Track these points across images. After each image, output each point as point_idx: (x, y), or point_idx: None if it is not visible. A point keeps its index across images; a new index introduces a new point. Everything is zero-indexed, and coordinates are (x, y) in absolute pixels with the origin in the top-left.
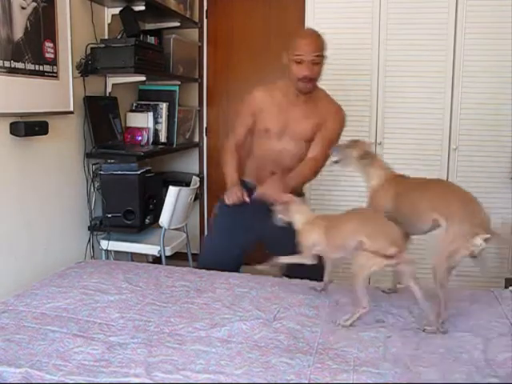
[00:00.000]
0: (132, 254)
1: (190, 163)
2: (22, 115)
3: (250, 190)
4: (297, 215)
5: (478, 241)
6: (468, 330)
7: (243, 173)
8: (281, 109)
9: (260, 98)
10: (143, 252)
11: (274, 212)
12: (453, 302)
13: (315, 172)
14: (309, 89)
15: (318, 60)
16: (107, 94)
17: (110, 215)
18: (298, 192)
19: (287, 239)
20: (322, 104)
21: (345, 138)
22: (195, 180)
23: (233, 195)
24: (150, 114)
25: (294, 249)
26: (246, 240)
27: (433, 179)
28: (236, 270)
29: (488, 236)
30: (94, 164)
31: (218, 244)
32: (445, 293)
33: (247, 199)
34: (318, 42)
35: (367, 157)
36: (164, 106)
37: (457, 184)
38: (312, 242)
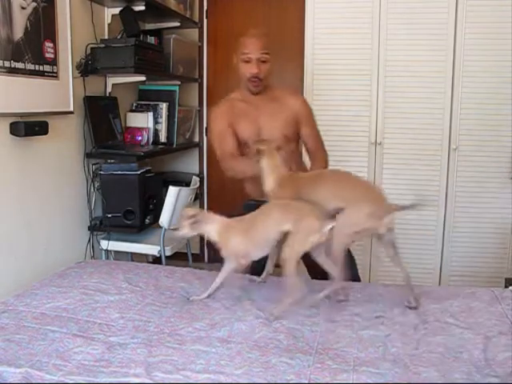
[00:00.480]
0: (132, 253)
1: (190, 163)
2: (22, 115)
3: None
4: (209, 226)
5: (387, 220)
6: (468, 328)
7: (247, 195)
8: (248, 117)
9: (225, 112)
10: (143, 252)
11: (179, 228)
12: (453, 300)
13: (327, 160)
14: (259, 88)
15: (265, 58)
16: (107, 94)
17: (110, 215)
18: None
19: None
20: (284, 99)
21: (345, 138)
22: (195, 180)
23: None
24: (150, 114)
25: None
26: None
27: (326, 170)
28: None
29: (392, 216)
30: (94, 164)
31: None
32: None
33: None
34: (263, 40)
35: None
36: (164, 106)
37: (352, 173)
38: (237, 247)
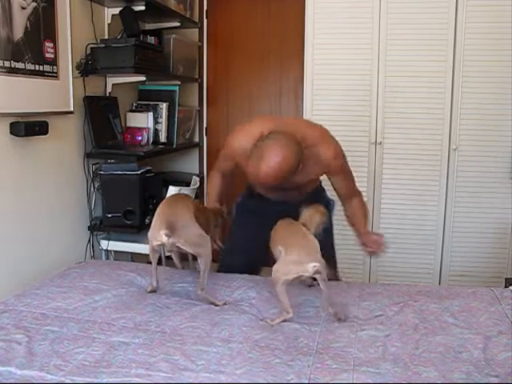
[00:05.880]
0: (132, 253)
1: (190, 163)
2: (22, 115)
3: (261, 197)
4: None
5: (310, 267)
6: (468, 328)
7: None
8: None
9: (241, 151)
10: (143, 252)
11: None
12: (453, 300)
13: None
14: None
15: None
16: (107, 94)
17: (110, 215)
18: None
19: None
20: (316, 158)
21: (345, 139)
22: (195, 180)
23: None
24: (150, 114)
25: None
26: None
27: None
28: (258, 269)
29: (317, 264)
30: (94, 164)
31: (242, 244)
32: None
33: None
34: (280, 178)
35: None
36: (164, 106)
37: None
38: None
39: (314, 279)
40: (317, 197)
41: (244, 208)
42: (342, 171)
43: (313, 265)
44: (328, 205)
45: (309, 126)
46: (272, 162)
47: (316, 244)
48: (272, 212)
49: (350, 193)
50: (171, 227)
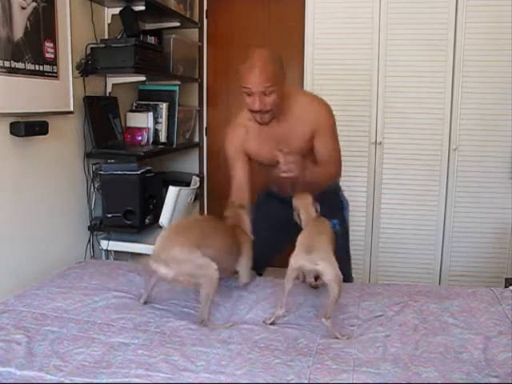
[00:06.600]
0: (132, 254)
1: (190, 163)
2: (22, 115)
3: (276, 196)
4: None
5: (299, 259)
6: (468, 328)
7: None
8: (262, 139)
9: (238, 137)
10: (143, 252)
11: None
12: (453, 300)
13: (339, 170)
14: (266, 120)
15: (270, 90)
16: (107, 94)
17: (110, 215)
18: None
19: None
20: (302, 111)
21: (345, 139)
22: (195, 180)
23: None
24: (150, 114)
25: None
26: (280, 239)
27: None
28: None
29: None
30: (94, 164)
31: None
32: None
33: None
34: (266, 72)
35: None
36: (164, 106)
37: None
38: None
39: (316, 279)
40: (331, 196)
41: (258, 209)
42: (330, 131)
43: (303, 258)
44: (341, 204)
45: None
46: (257, 54)
47: (323, 244)
48: (282, 214)
49: (327, 160)
50: (166, 262)
